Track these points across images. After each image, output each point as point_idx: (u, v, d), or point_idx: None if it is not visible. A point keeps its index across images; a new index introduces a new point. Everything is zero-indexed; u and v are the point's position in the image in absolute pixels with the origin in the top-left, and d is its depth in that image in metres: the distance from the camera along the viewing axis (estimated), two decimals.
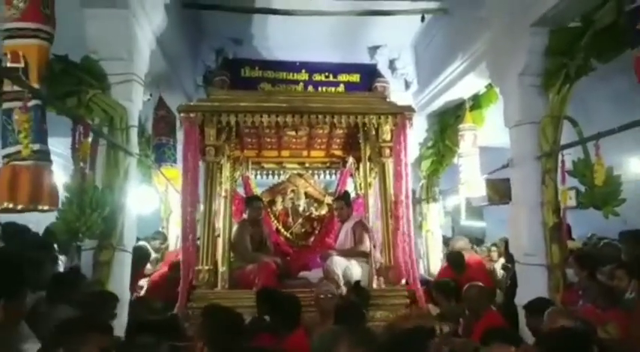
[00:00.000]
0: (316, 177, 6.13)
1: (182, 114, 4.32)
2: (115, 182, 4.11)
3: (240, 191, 5.71)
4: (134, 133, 4.43)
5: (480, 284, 4.07)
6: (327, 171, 6.21)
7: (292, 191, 5.77)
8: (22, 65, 3.17)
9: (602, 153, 3.76)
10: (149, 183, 6.21)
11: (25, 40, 3.24)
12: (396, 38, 7.93)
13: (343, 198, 5.09)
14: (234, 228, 4.79)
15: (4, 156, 3.21)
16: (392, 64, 8.20)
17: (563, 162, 4.12)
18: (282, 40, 7.63)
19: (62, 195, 3.62)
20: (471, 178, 6.28)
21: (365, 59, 8.19)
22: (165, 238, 6.42)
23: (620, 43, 3.74)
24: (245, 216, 4.98)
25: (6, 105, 3.20)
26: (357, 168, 5.72)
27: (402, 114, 4.41)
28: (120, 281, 4.13)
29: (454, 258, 5.70)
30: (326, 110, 4.36)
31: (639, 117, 3.38)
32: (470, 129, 6.46)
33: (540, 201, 4.25)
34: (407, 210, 4.36)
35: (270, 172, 6.14)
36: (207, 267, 4.28)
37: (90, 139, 3.79)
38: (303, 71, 8.01)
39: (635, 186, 5.48)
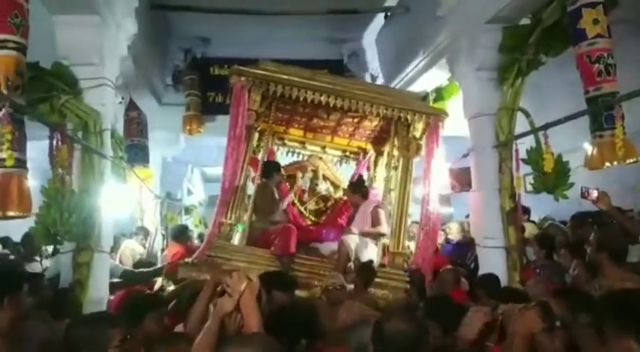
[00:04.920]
0: (334, 163, 6.27)
1: (234, 77, 4.44)
2: (91, 185, 4.21)
3: None
4: (108, 137, 4.52)
5: (450, 267, 4.39)
6: (344, 160, 6.32)
7: (312, 171, 5.91)
8: None
9: (554, 141, 4.06)
10: (124, 183, 6.24)
11: None
12: (362, 34, 8.13)
13: (359, 183, 5.28)
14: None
15: None
16: (358, 59, 8.40)
17: (517, 151, 4.42)
18: (250, 38, 7.73)
19: (39, 199, 3.70)
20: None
21: (332, 55, 8.37)
22: (147, 232, 6.40)
23: (565, 39, 4.04)
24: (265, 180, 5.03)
25: None
26: (375, 163, 5.96)
27: (436, 115, 4.70)
28: (100, 282, 4.25)
29: None
30: (368, 99, 4.55)
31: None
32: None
33: (498, 187, 4.55)
34: (435, 204, 4.64)
35: (291, 151, 6.21)
36: (231, 222, 4.43)
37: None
38: None
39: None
